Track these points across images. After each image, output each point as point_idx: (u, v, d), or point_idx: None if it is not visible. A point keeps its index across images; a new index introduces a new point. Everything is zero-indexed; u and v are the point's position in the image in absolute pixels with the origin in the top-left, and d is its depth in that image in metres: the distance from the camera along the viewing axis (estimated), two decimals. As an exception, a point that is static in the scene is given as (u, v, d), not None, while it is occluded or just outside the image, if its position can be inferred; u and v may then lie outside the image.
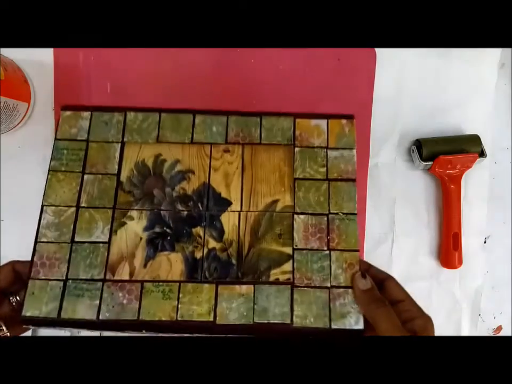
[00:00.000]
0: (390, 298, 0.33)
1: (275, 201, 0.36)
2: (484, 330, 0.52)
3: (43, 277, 0.34)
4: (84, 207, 0.35)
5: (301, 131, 0.38)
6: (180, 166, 0.37)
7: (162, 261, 0.35)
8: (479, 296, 0.51)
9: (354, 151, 0.38)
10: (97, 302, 0.33)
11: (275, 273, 0.34)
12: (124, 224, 0.35)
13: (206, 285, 0.34)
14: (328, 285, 0.34)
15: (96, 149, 0.37)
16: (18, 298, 0.34)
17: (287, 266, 0.35)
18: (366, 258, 0.48)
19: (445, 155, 0.47)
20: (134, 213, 0.35)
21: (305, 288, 0.34)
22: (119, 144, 0.37)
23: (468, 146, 0.48)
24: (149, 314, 0.33)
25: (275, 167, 0.37)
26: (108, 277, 0.34)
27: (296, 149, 0.38)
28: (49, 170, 0.36)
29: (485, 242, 0.51)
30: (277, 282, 0.34)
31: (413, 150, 0.49)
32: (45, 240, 0.34)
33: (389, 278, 0.35)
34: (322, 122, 0.38)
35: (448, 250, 0.49)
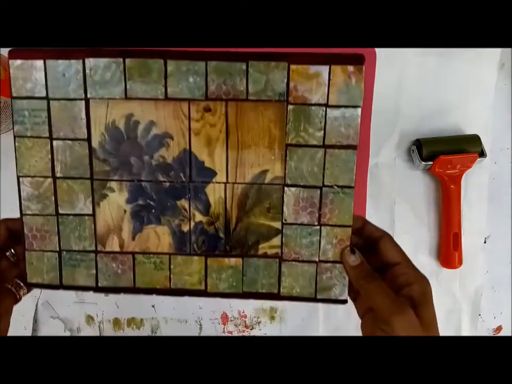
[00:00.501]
0: (385, 261, 0.32)
1: (264, 172, 0.33)
2: (484, 330, 0.52)
3: (38, 248, 0.34)
4: (60, 177, 0.34)
5: (296, 83, 0.32)
6: (156, 129, 0.33)
7: (150, 234, 0.34)
8: (479, 296, 0.51)
9: (359, 110, 0.32)
10: (94, 271, 0.35)
11: (263, 247, 0.34)
12: (105, 196, 0.34)
13: (196, 257, 0.34)
14: (316, 259, 0.34)
15: (58, 109, 0.33)
16: (13, 251, 0.35)
17: (276, 240, 0.34)
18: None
19: (445, 155, 0.47)
20: (114, 184, 0.34)
21: (293, 262, 0.34)
22: (83, 102, 0.33)
23: (468, 146, 0.48)
24: (143, 283, 0.35)
25: (264, 130, 0.32)
26: (99, 249, 0.34)
27: (290, 107, 0.32)
28: (15, 137, 0.34)
29: (485, 242, 0.51)
30: (265, 255, 0.34)
31: (413, 150, 0.49)
32: (30, 212, 0.34)
33: (384, 236, 0.34)
34: (324, 70, 0.31)
35: (448, 250, 0.49)
